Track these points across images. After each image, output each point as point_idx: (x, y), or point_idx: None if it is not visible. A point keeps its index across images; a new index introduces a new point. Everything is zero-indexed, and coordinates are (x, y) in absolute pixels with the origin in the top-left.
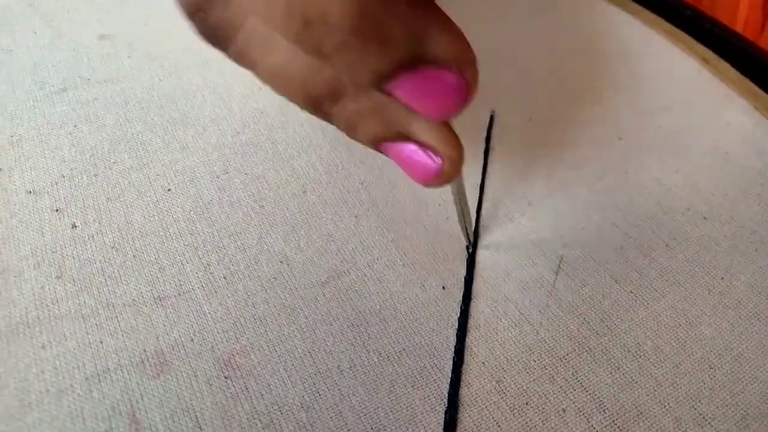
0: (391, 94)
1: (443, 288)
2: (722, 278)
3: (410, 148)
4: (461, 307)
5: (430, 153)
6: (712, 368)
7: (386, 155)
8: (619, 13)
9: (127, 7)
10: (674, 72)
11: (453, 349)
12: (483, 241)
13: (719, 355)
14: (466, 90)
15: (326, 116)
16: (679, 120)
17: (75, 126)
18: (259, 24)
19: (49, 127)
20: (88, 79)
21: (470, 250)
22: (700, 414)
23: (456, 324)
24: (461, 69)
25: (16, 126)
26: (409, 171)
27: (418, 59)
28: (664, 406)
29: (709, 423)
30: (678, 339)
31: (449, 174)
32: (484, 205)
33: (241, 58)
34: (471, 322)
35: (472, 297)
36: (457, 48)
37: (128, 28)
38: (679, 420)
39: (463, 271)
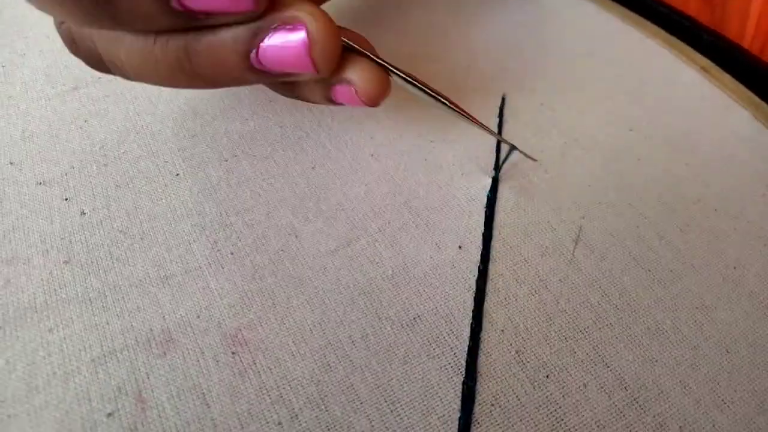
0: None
1: (459, 247)
2: (734, 268)
3: (275, 35)
4: (479, 267)
5: (291, 27)
6: (729, 353)
7: (267, 65)
8: (619, 22)
9: None
10: (676, 80)
11: (471, 314)
12: (500, 197)
13: (735, 340)
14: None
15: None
16: (685, 122)
17: (85, 121)
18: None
19: (60, 123)
20: (99, 78)
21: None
22: (720, 397)
23: (473, 287)
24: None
25: (27, 123)
26: (288, 59)
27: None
28: (685, 387)
29: (729, 407)
30: (696, 321)
31: (321, 39)
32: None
33: (113, 68)
34: (489, 286)
35: (491, 258)
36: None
37: None
38: (699, 402)
39: (480, 229)
